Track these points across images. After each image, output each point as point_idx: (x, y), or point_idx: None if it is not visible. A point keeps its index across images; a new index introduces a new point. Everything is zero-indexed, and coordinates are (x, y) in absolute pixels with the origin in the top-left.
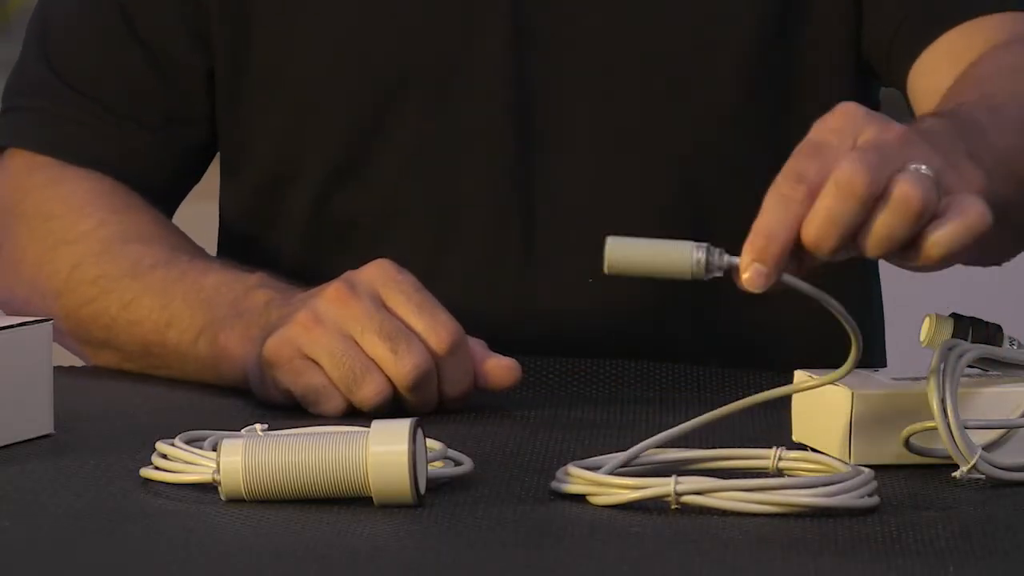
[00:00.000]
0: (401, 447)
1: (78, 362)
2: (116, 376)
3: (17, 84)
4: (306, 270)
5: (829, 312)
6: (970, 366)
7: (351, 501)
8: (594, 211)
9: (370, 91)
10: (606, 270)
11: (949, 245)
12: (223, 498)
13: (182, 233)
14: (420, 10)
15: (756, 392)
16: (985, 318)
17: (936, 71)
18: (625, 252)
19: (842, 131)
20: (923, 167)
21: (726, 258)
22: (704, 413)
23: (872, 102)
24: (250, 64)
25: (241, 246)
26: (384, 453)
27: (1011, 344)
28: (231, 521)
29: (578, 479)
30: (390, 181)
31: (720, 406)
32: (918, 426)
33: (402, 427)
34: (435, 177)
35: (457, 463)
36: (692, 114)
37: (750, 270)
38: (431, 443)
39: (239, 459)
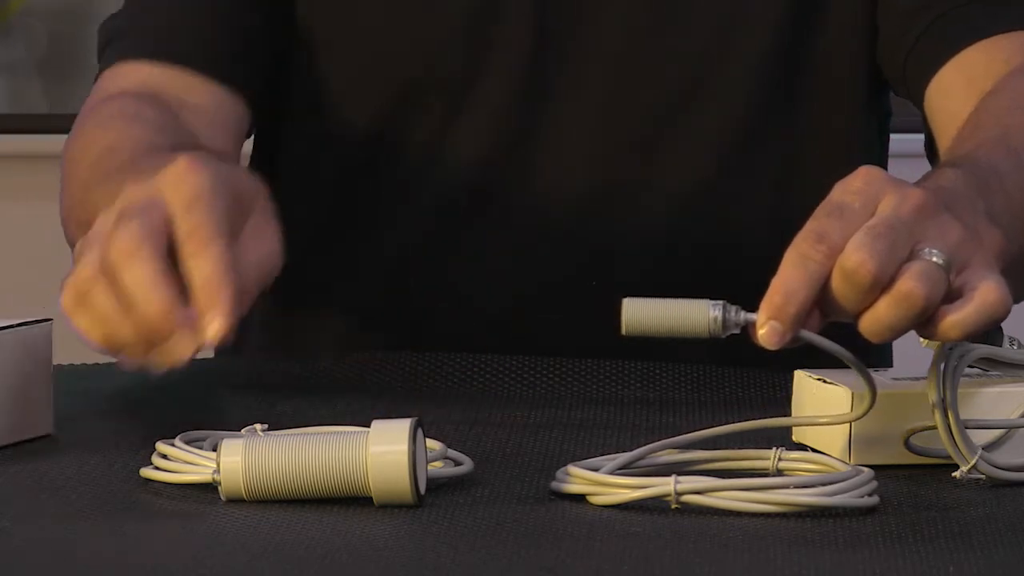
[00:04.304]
0: (401, 447)
1: (78, 362)
2: (116, 376)
3: (112, 21)
4: (312, 256)
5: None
6: (970, 366)
7: (351, 501)
8: (602, 213)
9: (391, 92)
10: (624, 331)
11: (966, 328)
12: (223, 498)
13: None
14: (444, 14)
15: (755, 391)
16: None
17: (953, 91)
18: (642, 313)
19: (863, 193)
20: (935, 252)
21: (743, 315)
22: (703, 413)
23: (884, 109)
24: (291, 56)
25: None
26: (384, 453)
27: (1011, 344)
28: (231, 521)
29: (578, 479)
30: (404, 177)
31: (720, 406)
32: (918, 426)
33: (402, 427)
34: (444, 176)
35: (457, 463)
36: (705, 121)
37: (767, 327)
38: (431, 443)
39: (239, 459)
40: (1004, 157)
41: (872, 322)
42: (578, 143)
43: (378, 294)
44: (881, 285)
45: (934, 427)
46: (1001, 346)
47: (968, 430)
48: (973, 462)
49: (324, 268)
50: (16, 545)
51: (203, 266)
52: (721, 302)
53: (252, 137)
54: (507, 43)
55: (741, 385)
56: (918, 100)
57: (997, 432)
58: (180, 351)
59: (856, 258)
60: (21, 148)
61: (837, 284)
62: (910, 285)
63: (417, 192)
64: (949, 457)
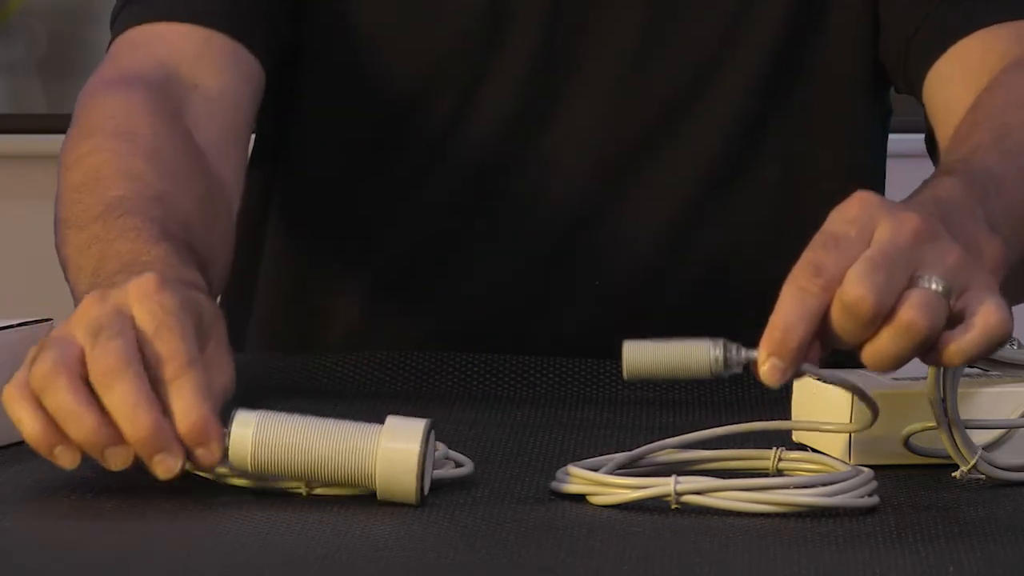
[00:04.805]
0: (413, 446)
1: None
2: None
3: None
4: (316, 254)
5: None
6: (970, 366)
7: (351, 501)
8: (607, 211)
9: (400, 91)
10: (625, 377)
11: (970, 354)
12: (228, 466)
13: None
14: (455, 12)
15: (755, 391)
16: None
17: (950, 82)
18: (643, 356)
19: (858, 222)
20: (935, 280)
21: (743, 353)
22: (703, 413)
23: (884, 108)
24: (303, 45)
25: (253, 227)
26: (395, 451)
27: (1011, 344)
28: (231, 521)
29: (578, 479)
30: (409, 175)
31: (720, 406)
32: (918, 426)
33: (416, 427)
34: (450, 174)
35: (458, 464)
36: (710, 117)
37: (767, 364)
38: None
39: (250, 431)
40: (1000, 160)
41: (874, 353)
42: (585, 142)
43: (381, 292)
44: (881, 317)
45: (934, 427)
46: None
47: (968, 430)
48: (973, 462)
49: (327, 267)
50: (16, 545)
51: (186, 395)
52: (721, 340)
53: (253, 138)
54: (516, 42)
55: (741, 385)
56: (917, 92)
57: (997, 432)
58: (168, 468)
59: (855, 292)
60: (21, 148)
61: (837, 317)
62: (911, 316)
63: (422, 190)
64: (949, 457)
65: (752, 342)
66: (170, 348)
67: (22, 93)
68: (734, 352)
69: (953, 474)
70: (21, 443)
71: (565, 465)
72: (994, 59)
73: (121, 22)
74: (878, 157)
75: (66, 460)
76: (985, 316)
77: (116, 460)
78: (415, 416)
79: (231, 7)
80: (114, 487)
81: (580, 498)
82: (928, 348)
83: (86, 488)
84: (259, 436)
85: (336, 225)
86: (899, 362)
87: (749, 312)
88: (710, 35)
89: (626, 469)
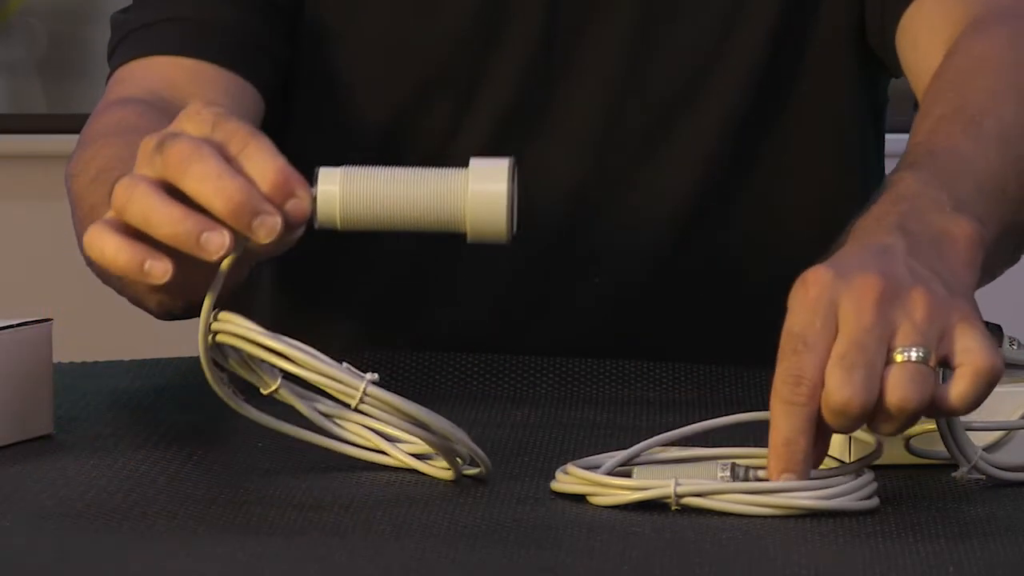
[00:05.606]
0: (501, 187)
1: (78, 361)
2: (116, 376)
3: (124, 15)
4: (314, 257)
5: None
6: None
7: (350, 501)
8: (607, 209)
9: (399, 94)
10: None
11: (969, 406)
12: (316, 225)
13: None
14: (452, 14)
15: (755, 391)
16: (985, 318)
17: (918, 46)
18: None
19: (819, 310)
20: (911, 350)
21: (751, 473)
22: (704, 413)
23: (880, 100)
24: (298, 58)
25: None
26: (484, 192)
27: (1011, 344)
28: (231, 522)
29: (578, 479)
30: None
31: (720, 406)
32: (918, 428)
33: (501, 166)
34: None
35: (478, 459)
36: (706, 113)
37: (782, 480)
38: (458, 433)
39: (336, 187)
40: (963, 132)
41: (876, 430)
42: (584, 143)
43: (381, 293)
44: (872, 406)
45: (934, 429)
46: (1001, 346)
47: (968, 431)
48: (973, 463)
49: (326, 269)
50: (16, 545)
51: (258, 157)
52: (729, 463)
53: None
54: (515, 44)
55: (741, 385)
56: (895, 58)
57: (997, 432)
58: (270, 227)
59: (840, 398)
60: (21, 148)
61: (830, 419)
62: (898, 397)
63: None
64: (949, 457)
65: (750, 342)
66: (228, 130)
67: (22, 93)
68: (741, 474)
69: (953, 474)
70: (21, 443)
71: (565, 465)
72: (957, 15)
73: (117, 58)
74: (874, 149)
75: (158, 271)
76: (973, 364)
77: (215, 243)
78: (509, 157)
79: (226, 40)
80: (114, 487)
81: (580, 498)
82: (926, 410)
83: (87, 488)
84: (346, 188)
85: (333, 233)
86: (901, 431)
87: (747, 311)
88: (707, 35)
89: (626, 467)
